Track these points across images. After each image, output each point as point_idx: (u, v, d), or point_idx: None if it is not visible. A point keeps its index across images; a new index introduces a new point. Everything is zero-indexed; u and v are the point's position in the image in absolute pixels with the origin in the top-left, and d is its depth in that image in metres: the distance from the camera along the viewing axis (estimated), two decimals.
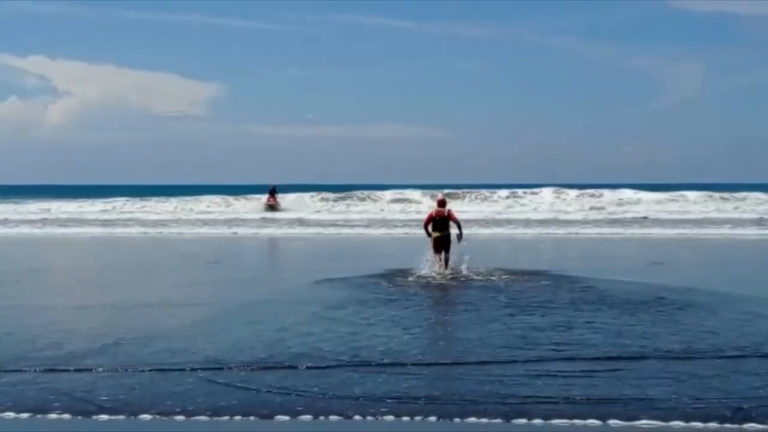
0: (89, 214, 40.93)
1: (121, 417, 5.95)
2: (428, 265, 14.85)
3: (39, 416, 5.99)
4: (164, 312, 11.02)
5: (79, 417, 5.97)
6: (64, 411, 6.07)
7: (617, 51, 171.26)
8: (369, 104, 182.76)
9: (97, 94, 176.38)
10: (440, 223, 15.06)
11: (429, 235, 15.14)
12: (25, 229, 31.87)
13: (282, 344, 8.48)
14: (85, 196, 53.97)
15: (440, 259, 14.87)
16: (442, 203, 15.52)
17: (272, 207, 43.12)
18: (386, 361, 7.56)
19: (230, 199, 47.81)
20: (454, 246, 15.03)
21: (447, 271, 14.69)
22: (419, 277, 14.36)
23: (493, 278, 14.08)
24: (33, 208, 45.40)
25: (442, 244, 14.97)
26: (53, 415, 6.00)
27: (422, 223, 15.67)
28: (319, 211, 42.01)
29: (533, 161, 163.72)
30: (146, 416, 5.95)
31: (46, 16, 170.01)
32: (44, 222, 35.82)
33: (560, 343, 8.40)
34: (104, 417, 5.97)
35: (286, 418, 5.90)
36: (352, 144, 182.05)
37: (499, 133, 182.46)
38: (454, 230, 15.00)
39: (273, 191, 44.87)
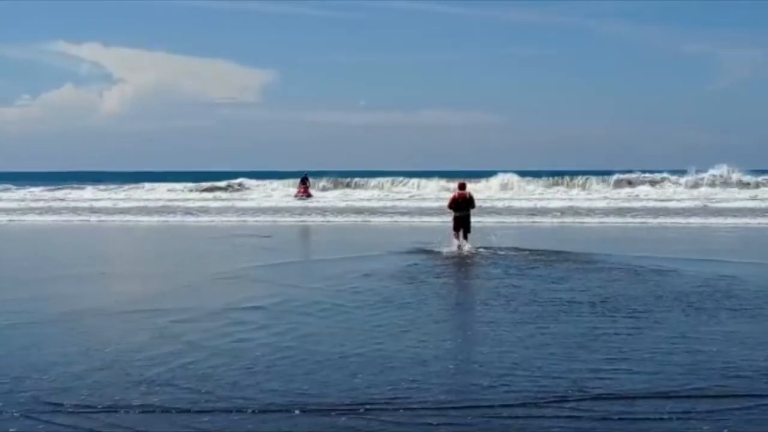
0: (148, 202, 42.89)
1: None
2: (451, 242, 17.39)
3: None
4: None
5: None
6: None
7: (670, 34, 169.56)
8: (421, 90, 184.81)
9: (151, 81, 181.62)
10: (462, 205, 17.74)
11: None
12: (70, 217, 34.47)
13: None
14: (141, 181, 55.80)
15: (459, 236, 17.41)
16: (462, 186, 18.31)
17: (304, 196, 43.02)
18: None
19: (270, 186, 50.10)
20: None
21: (468, 247, 17.16)
22: (445, 253, 16.66)
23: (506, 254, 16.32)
24: (83, 195, 48.33)
25: (462, 223, 17.60)
26: None
27: (446, 205, 18.34)
28: (366, 199, 42.66)
29: (584, 147, 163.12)
30: None
31: (100, 3, 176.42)
32: (95, 210, 38.40)
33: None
34: None
35: None
36: (405, 130, 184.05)
37: (551, 118, 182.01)
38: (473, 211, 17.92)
39: (305, 180, 44.97)
